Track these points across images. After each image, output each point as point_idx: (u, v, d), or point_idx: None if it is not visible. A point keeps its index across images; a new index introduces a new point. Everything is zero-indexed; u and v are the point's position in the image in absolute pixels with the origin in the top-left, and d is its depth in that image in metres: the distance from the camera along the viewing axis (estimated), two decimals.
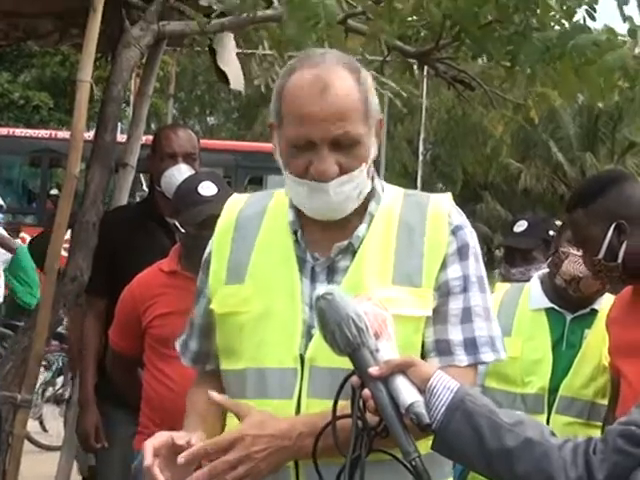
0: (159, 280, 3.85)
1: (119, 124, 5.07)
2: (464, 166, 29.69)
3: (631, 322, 3.09)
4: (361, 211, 2.27)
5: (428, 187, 26.33)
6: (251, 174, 19.06)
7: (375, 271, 2.22)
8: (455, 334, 2.23)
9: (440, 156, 32.10)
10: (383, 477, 2.10)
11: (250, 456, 2.10)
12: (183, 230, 3.76)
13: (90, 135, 4.71)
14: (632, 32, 4.25)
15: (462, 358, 2.21)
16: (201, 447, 2.13)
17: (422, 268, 2.22)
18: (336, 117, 2.16)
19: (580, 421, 3.48)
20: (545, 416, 3.47)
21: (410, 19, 4.67)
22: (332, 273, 2.25)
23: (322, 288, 2.04)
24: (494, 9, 4.21)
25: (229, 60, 5.24)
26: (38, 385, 8.33)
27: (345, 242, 2.25)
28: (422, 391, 1.96)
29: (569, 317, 3.58)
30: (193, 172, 4.29)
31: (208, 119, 37.21)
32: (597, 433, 3.33)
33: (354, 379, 1.99)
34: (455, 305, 2.24)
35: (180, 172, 4.30)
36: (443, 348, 2.20)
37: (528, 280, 3.96)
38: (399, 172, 28.61)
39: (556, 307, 3.59)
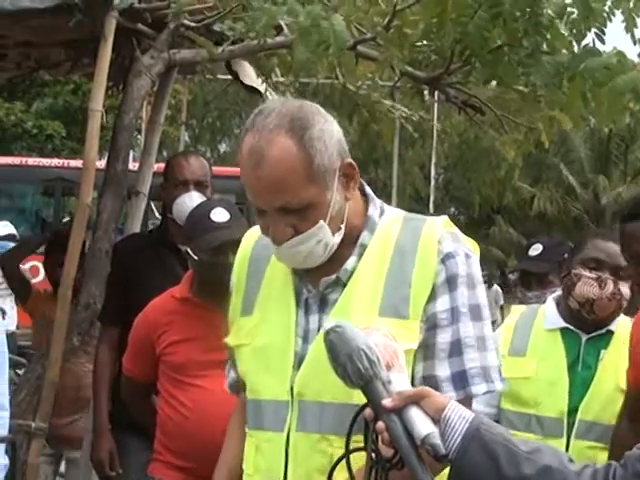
0: (171, 307, 3.85)
1: (131, 152, 5.09)
2: (477, 190, 29.69)
3: None
4: (352, 242, 2.25)
5: (441, 211, 26.30)
6: None
7: (362, 303, 2.20)
8: (442, 370, 2.19)
9: (452, 180, 32.13)
10: None
11: None
12: (196, 257, 3.76)
13: (102, 164, 4.73)
14: None
15: (451, 395, 2.16)
16: None
17: (409, 299, 2.19)
18: (273, 189, 2.14)
19: (601, 445, 3.42)
20: (564, 440, 3.42)
21: (420, 44, 4.68)
22: (323, 305, 2.25)
23: (331, 321, 2.03)
24: (503, 33, 4.21)
25: (253, 78, 5.26)
26: None
27: (333, 276, 2.25)
28: (436, 422, 1.94)
29: (584, 338, 3.55)
30: (205, 199, 4.30)
31: (219, 146, 37.32)
32: None
33: (367, 412, 1.97)
34: (443, 339, 2.20)
35: (192, 199, 4.31)
36: (431, 385, 2.13)
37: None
38: (411, 196, 28.63)
39: (571, 327, 3.57)
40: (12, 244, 12.51)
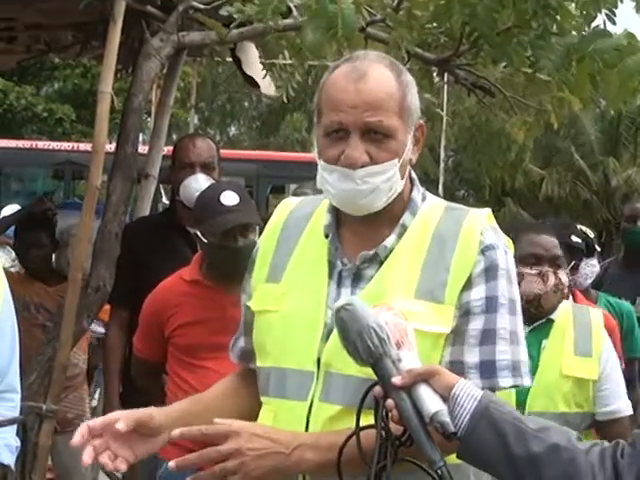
0: (181, 289, 3.86)
1: (140, 135, 5.09)
2: (488, 172, 29.63)
3: None
4: (393, 221, 2.27)
5: (450, 194, 26.28)
6: (273, 183, 19.10)
7: (399, 283, 2.20)
8: (471, 356, 2.19)
9: (462, 163, 32.06)
10: None
11: (241, 452, 2.07)
12: (205, 240, 3.77)
13: (112, 147, 4.73)
14: None
15: (476, 382, 2.15)
16: (199, 428, 2.11)
17: (446, 284, 2.20)
18: (369, 104, 2.18)
19: None
20: None
21: (429, 26, 4.67)
22: (357, 280, 2.26)
23: (342, 299, 2.04)
24: (512, 14, 4.20)
25: (255, 67, 5.26)
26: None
27: (371, 252, 2.25)
28: (445, 399, 1.95)
29: (526, 330, 3.52)
30: (211, 181, 4.31)
31: (229, 129, 37.29)
32: None
33: (377, 389, 1.98)
34: (474, 326, 2.20)
35: (198, 182, 4.31)
36: (456, 370, 2.13)
37: None
38: (421, 179, 28.50)
39: None
40: None
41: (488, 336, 2.20)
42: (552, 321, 3.63)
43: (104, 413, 4.47)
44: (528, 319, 3.54)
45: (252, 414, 2.32)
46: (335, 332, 2.14)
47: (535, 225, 3.82)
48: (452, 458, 2.00)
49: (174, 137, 20.69)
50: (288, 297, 2.28)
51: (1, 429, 3.22)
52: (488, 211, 2.33)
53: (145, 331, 3.95)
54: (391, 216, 2.27)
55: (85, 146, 17.28)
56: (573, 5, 4.29)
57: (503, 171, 29.00)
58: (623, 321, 5.19)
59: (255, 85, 5.25)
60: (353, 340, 1.97)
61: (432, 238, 2.24)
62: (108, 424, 2.15)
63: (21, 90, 25.91)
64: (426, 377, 1.96)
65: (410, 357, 1.99)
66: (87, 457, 2.13)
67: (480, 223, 2.26)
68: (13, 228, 5.76)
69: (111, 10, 4.28)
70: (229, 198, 3.74)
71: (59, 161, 19.20)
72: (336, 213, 2.31)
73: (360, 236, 2.27)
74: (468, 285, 2.20)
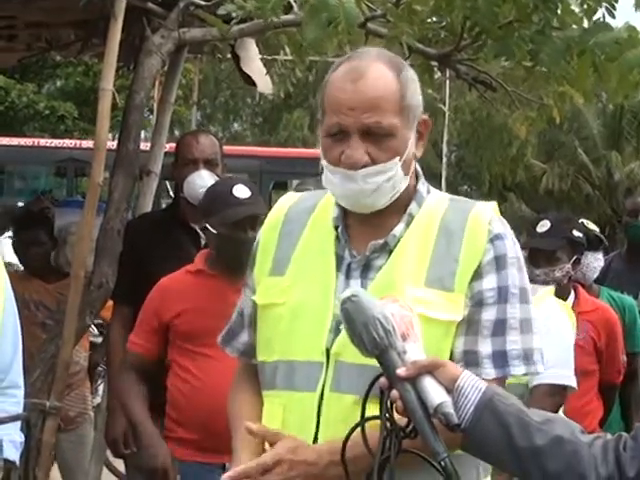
0: (184, 278, 3.88)
1: (142, 132, 5.09)
2: (489, 167, 29.62)
3: None
4: (401, 211, 2.28)
5: (453, 189, 26.26)
6: (275, 179, 19.10)
7: (409, 271, 2.22)
8: (484, 346, 2.21)
9: (464, 158, 32.05)
10: (411, 478, 2.09)
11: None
12: (215, 231, 3.77)
13: (114, 144, 4.74)
14: None
15: (489, 371, 2.19)
16: (246, 468, 2.18)
17: (456, 273, 2.21)
18: (366, 106, 2.19)
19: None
20: None
21: (430, 20, 4.67)
22: (367, 270, 2.27)
23: (348, 290, 2.05)
24: (513, 9, 4.20)
25: (253, 64, 5.25)
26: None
27: (381, 241, 2.26)
28: (450, 391, 1.96)
29: None
30: (215, 178, 4.31)
31: (232, 125, 37.27)
32: None
33: (382, 381, 1.99)
34: (487, 317, 2.21)
35: (201, 178, 4.32)
36: (471, 360, 2.18)
37: (552, 281, 3.96)
38: (424, 174, 28.48)
39: None
40: None
41: (500, 327, 2.22)
42: None
43: (107, 411, 4.49)
44: None
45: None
46: None
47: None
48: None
49: (177, 134, 20.72)
50: (294, 289, 2.29)
51: (5, 425, 3.23)
52: (494, 204, 2.35)
53: (144, 323, 3.93)
54: (398, 207, 2.28)
55: (87, 143, 17.28)
56: (573, 0, 4.29)
57: (504, 166, 28.99)
58: (625, 315, 5.20)
59: (252, 83, 5.24)
60: (359, 331, 1.98)
61: (439, 229, 2.26)
62: None
63: (23, 88, 25.92)
64: (431, 369, 1.97)
65: (415, 349, 2.00)
66: None
67: (488, 214, 2.28)
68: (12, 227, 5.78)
69: (112, 7, 4.28)
70: (241, 191, 3.78)
71: (61, 158, 19.21)
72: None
73: (368, 227, 2.28)
74: (478, 274, 2.22)
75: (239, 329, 2.48)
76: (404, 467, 2.00)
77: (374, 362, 2.03)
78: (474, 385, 1.97)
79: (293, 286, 2.30)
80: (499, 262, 2.23)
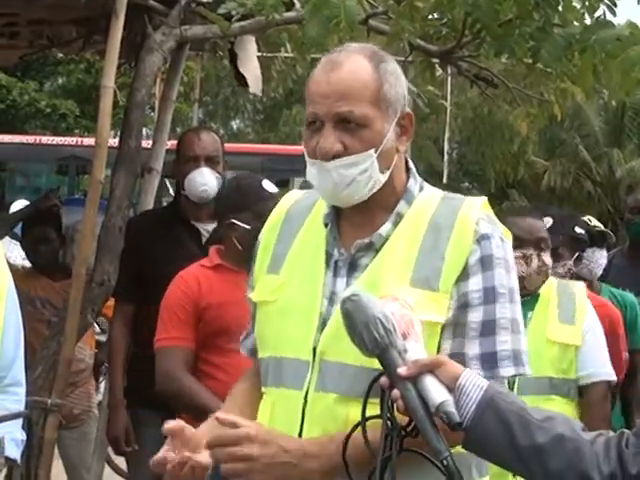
0: (205, 273, 3.84)
1: (144, 129, 5.09)
2: (491, 164, 29.62)
3: None
4: (389, 210, 2.27)
5: (454, 186, 26.24)
6: (277, 177, 19.09)
7: (394, 271, 2.20)
8: (472, 348, 2.19)
9: (466, 155, 32.05)
10: (413, 477, 2.09)
11: (253, 458, 2.11)
12: (248, 226, 3.74)
13: (115, 141, 4.74)
14: None
15: (478, 373, 2.15)
16: (220, 434, 2.15)
17: (441, 271, 2.19)
18: (339, 94, 2.19)
19: (543, 397, 3.60)
20: None
21: (431, 17, 4.67)
22: (352, 269, 2.26)
23: (348, 290, 2.04)
24: (514, 6, 4.20)
25: (250, 63, 5.24)
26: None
27: (366, 240, 2.25)
28: (451, 390, 1.96)
29: None
30: (216, 175, 4.31)
31: (233, 123, 37.26)
32: (558, 406, 3.55)
33: (383, 380, 1.98)
34: (474, 318, 2.19)
35: (202, 175, 4.32)
36: (458, 362, 2.10)
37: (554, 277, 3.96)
38: (425, 171, 28.60)
39: None
40: None
41: (488, 327, 2.19)
42: (538, 295, 3.77)
43: (109, 407, 4.49)
44: None
45: None
46: (331, 321, 2.18)
47: (520, 208, 3.95)
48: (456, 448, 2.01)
49: (178, 131, 20.71)
50: (286, 287, 2.29)
51: (7, 423, 3.23)
52: (484, 199, 2.32)
53: (174, 317, 3.81)
54: (386, 205, 2.27)
55: (89, 141, 17.28)
56: None
57: (506, 163, 28.99)
58: (627, 312, 5.19)
59: (244, 84, 5.24)
60: (359, 331, 1.97)
61: (428, 226, 2.24)
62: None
63: (24, 86, 25.95)
64: (432, 368, 1.97)
65: (416, 348, 2.00)
66: None
67: (475, 212, 2.25)
68: (20, 225, 5.77)
69: (113, 5, 4.28)
70: (270, 186, 3.84)
71: (63, 156, 19.23)
72: None
73: (356, 225, 2.27)
74: (464, 275, 2.19)
75: (251, 329, 2.49)
76: (405, 466, 2.00)
77: (356, 361, 2.04)
78: (475, 383, 1.97)
79: (286, 284, 2.30)
80: (485, 263, 2.20)
